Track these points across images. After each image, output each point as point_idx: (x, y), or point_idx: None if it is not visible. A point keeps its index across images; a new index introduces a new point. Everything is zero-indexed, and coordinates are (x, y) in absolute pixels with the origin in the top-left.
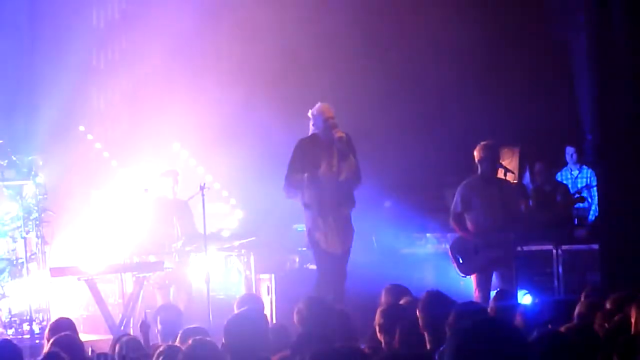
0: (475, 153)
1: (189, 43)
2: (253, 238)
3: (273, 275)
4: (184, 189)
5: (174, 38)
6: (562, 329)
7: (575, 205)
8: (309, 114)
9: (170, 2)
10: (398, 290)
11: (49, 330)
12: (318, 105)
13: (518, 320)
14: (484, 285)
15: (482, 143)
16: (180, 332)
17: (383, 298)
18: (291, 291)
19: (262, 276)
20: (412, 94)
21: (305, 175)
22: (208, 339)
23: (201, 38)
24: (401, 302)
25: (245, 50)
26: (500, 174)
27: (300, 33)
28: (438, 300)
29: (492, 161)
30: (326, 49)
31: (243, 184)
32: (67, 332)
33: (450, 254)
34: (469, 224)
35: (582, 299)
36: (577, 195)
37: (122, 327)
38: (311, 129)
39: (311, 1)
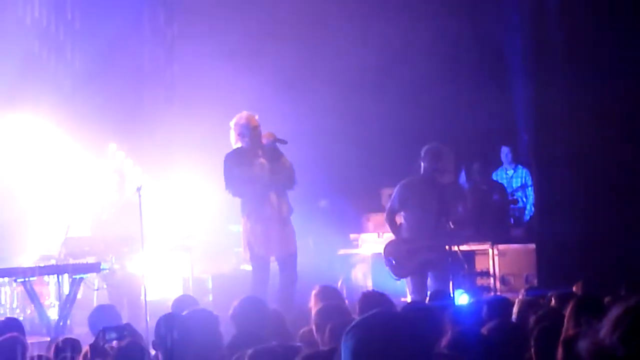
0: (422, 153)
1: None
2: (190, 239)
3: (210, 277)
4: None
5: None
6: (486, 327)
7: (510, 206)
8: (231, 124)
9: None
10: (327, 292)
11: None
12: (242, 114)
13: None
14: (419, 288)
15: (426, 146)
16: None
17: (313, 300)
18: (228, 292)
19: (199, 277)
20: (348, 96)
21: (246, 174)
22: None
23: None
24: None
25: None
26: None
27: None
28: (376, 300)
29: (432, 164)
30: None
31: (177, 184)
32: (13, 334)
33: (384, 256)
34: (404, 224)
35: (520, 297)
36: (510, 198)
37: (59, 329)
38: (235, 139)
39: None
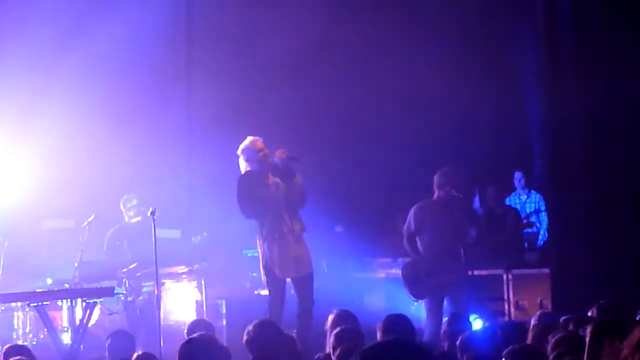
0: (435, 178)
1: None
2: (204, 263)
3: (224, 301)
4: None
5: None
6: (505, 352)
7: (524, 230)
8: (238, 152)
9: None
10: (344, 317)
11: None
12: (246, 140)
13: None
14: (435, 310)
15: (441, 169)
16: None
17: (329, 324)
18: (243, 317)
19: (213, 301)
20: (361, 119)
21: (261, 196)
22: None
23: None
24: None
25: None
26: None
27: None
28: (399, 323)
29: (447, 187)
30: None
31: (190, 209)
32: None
33: (401, 277)
34: (420, 246)
35: (533, 322)
36: (525, 221)
37: (72, 354)
38: (244, 166)
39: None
